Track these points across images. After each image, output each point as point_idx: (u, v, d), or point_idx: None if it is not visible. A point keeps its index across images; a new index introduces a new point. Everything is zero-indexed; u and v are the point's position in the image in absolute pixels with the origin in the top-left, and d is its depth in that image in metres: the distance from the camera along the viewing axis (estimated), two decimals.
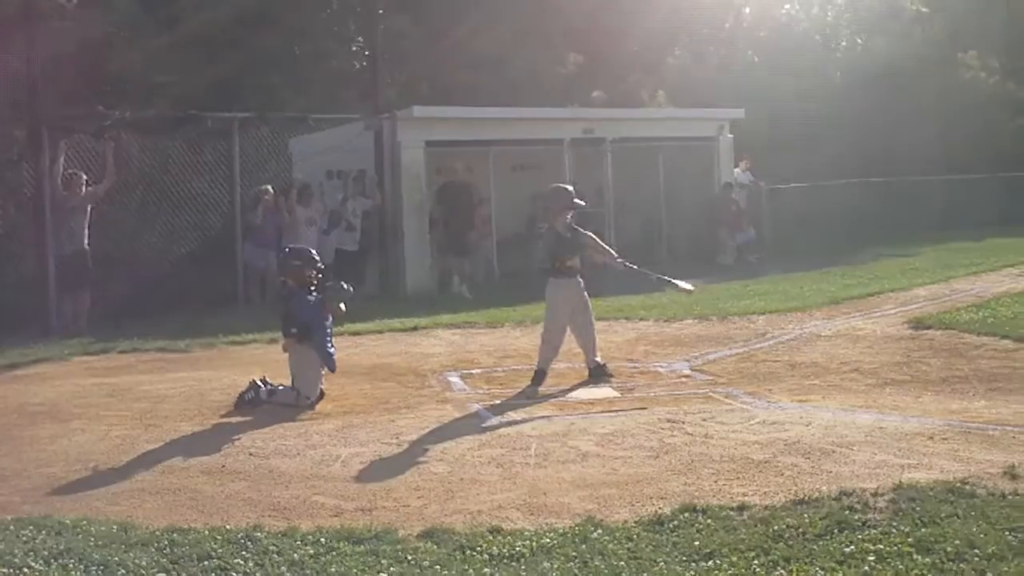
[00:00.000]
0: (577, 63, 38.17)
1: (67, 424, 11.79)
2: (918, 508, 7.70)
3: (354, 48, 37.50)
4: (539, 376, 13.29)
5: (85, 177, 20.23)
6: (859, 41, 44.09)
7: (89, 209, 20.14)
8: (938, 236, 32.23)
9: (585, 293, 13.66)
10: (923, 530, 7.26)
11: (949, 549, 6.92)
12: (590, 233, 13.86)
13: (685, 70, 41.63)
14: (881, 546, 7.02)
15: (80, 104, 23.85)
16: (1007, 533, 7.17)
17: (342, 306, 12.89)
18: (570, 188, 14.22)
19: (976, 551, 6.87)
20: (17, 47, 21.05)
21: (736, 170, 30.88)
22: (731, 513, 7.80)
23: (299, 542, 7.49)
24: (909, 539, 7.11)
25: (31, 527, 7.87)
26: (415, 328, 18.49)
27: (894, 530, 7.30)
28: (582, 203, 14.12)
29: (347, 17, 37.26)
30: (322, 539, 7.51)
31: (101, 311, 20.19)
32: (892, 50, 41.89)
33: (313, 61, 34.42)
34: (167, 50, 28.63)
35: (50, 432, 11.40)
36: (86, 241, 20.08)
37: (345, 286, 12.98)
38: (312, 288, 12.85)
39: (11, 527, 7.91)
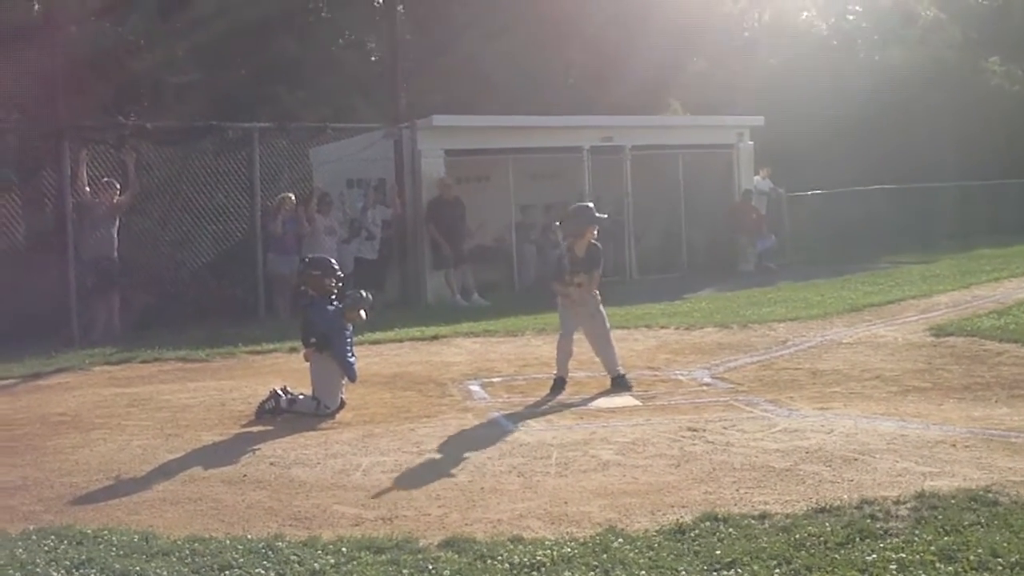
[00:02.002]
0: (595, 71, 38.11)
1: (89, 434, 11.83)
2: (940, 516, 7.66)
3: (373, 58, 37.61)
4: (558, 384, 13.37)
5: (118, 186, 20.38)
6: (876, 48, 43.99)
7: (117, 219, 20.29)
8: (959, 243, 32.16)
9: (600, 306, 13.68)
10: (946, 539, 7.22)
11: (972, 558, 6.88)
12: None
13: (704, 77, 41.58)
14: (903, 555, 6.98)
15: (100, 114, 23.91)
16: None
17: (362, 314, 12.89)
18: (590, 204, 14.24)
19: (999, 560, 6.83)
20: (38, 57, 21.14)
21: (756, 177, 30.82)
22: (752, 522, 7.77)
23: (320, 551, 7.48)
24: (932, 548, 7.07)
25: (53, 537, 7.89)
26: (435, 337, 18.50)
27: (916, 539, 7.26)
28: (604, 216, 14.17)
29: (366, 27, 37.35)
30: (343, 548, 7.50)
31: (123, 321, 20.29)
32: (910, 56, 41.83)
33: (331, 70, 34.48)
34: (184, 60, 28.69)
35: (72, 442, 11.44)
36: (115, 249, 20.22)
37: (364, 294, 12.97)
38: (332, 297, 12.86)
39: (33, 536, 7.93)
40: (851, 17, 45.50)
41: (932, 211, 35.31)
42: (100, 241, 20.15)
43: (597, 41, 37.44)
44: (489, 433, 11.28)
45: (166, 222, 22.83)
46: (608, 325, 13.89)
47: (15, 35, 22.01)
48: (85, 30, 24.54)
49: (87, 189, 20.21)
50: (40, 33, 21.04)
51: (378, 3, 35.95)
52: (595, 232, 13.72)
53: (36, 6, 22.59)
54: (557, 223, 14.82)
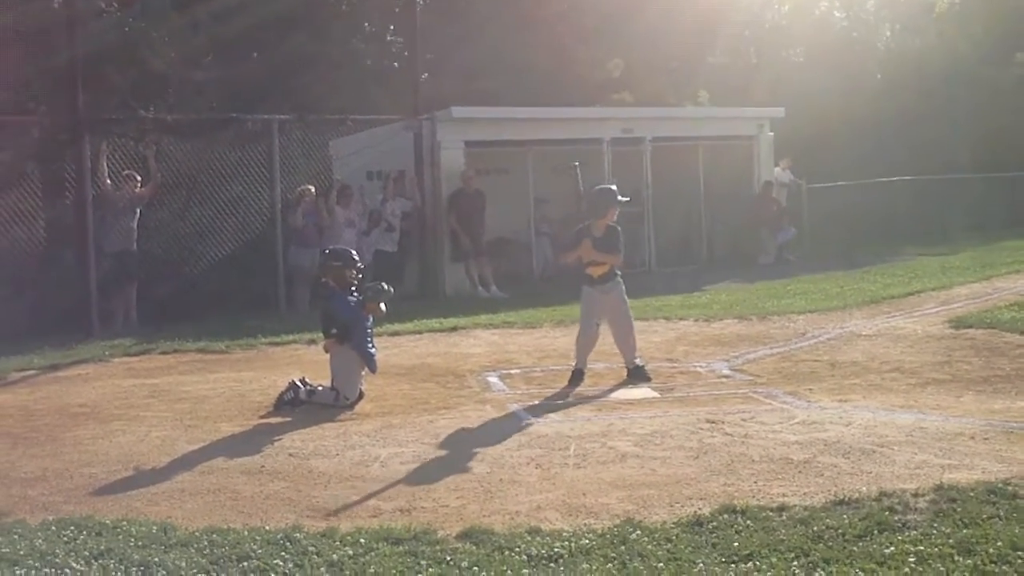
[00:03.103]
0: (615, 63, 38.09)
1: (108, 425, 11.87)
2: (959, 509, 7.65)
3: (393, 49, 37.56)
4: (576, 376, 13.39)
5: (139, 178, 20.45)
6: (895, 39, 43.87)
7: (137, 211, 20.37)
8: (979, 234, 32.05)
9: (624, 296, 13.69)
10: (965, 531, 7.21)
11: (991, 551, 6.86)
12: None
13: (725, 69, 41.53)
14: (922, 547, 6.97)
15: (121, 107, 23.97)
16: None
17: (382, 306, 12.90)
18: (613, 187, 14.23)
19: (1019, 553, 6.81)
20: (59, 50, 21.20)
21: (776, 169, 30.76)
22: (770, 514, 7.76)
23: (338, 543, 7.50)
24: (950, 541, 7.06)
25: (72, 527, 7.92)
26: (454, 328, 18.51)
27: (935, 531, 7.25)
28: (626, 199, 14.17)
29: (385, 18, 37.30)
30: (361, 539, 7.52)
31: (143, 312, 20.36)
32: (928, 48, 41.71)
33: (350, 62, 34.47)
34: (203, 52, 28.72)
35: (91, 433, 11.48)
36: (135, 242, 20.31)
37: (385, 286, 12.99)
38: (352, 289, 12.88)
39: (53, 527, 7.96)
40: (870, 8, 45.33)
41: (952, 203, 35.18)
42: (120, 234, 20.25)
43: (619, 33, 37.39)
44: (507, 425, 11.30)
45: (186, 214, 22.91)
46: (631, 315, 13.90)
47: (36, 29, 22.05)
48: (105, 23, 24.54)
49: (107, 182, 20.28)
50: (60, 27, 21.06)
51: None
52: (615, 214, 13.70)
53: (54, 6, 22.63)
54: (576, 163, 14.77)
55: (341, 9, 33.21)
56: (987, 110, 39.58)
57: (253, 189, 22.87)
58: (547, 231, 27.15)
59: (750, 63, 42.66)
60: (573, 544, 7.29)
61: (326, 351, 12.82)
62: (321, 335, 13.26)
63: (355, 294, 12.86)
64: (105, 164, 20.35)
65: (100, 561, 7.22)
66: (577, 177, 14.41)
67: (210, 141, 23.10)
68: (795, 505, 7.96)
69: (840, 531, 7.32)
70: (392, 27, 37.10)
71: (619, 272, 13.78)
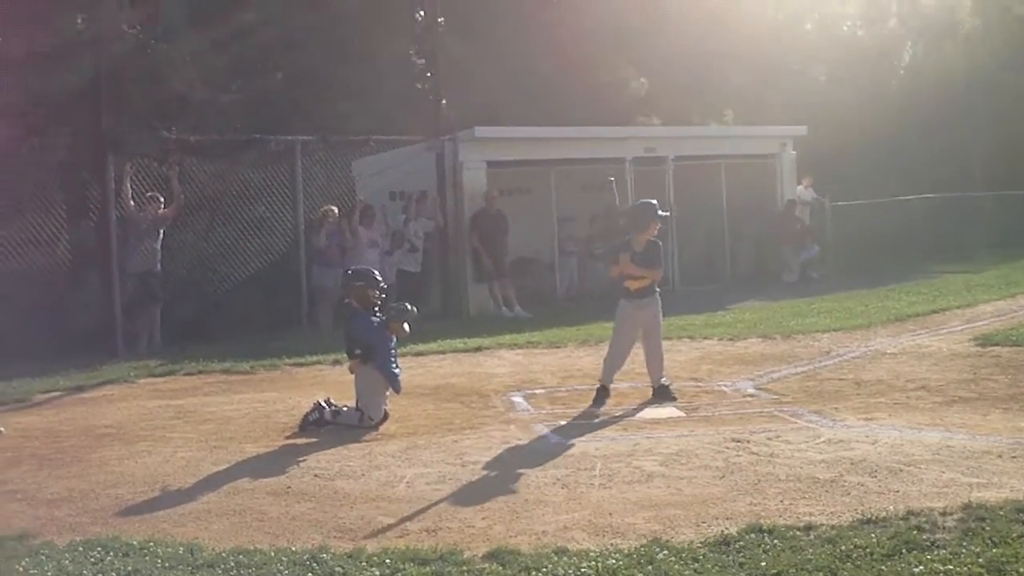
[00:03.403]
0: (640, 83, 38.08)
1: (134, 446, 11.90)
2: (988, 528, 7.61)
3: (415, 71, 37.64)
4: (601, 393, 13.36)
5: (162, 199, 20.52)
6: (917, 56, 43.84)
7: (161, 232, 20.43)
8: (1003, 252, 31.90)
9: (659, 311, 13.69)
10: (994, 550, 7.17)
11: (1021, 570, 6.83)
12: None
13: (746, 87, 41.50)
14: (950, 567, 6.94)
15: (143, 128, 24.08)
16: None
17: (406, 326, 12.91)
18: (654, 201, 14.20)
19: None
20: (82, 71, 21.30)
21: (799, 187, 30.73)
22: (797, 533, 7.74)
23: (364, 563, 7.50)
24: (979, 560, 7.03)
25: (99, 548, 7.95)
26: (478, 348, 18.52)
27: (963, 550, 7.22)
28: (667, 213, 14.19)
29: (408, 39, 37.40)
30: (387, 560, 7.52)
31: (167, 333, 20.41)
32: (950, 65, 41.63)
33: (373, 83, 34.55)
34: (225, 72, 28.82)
35: (117, 454, 11.51)
36: (158, 263, 20.37)
37: (408, 307, 13.00)
38: (376, 308, 12.89)
39: (79, 548, 7.99)
40: (891, 24, 45.25)
41: (975, 220, 35.05)
42: (144, 255, 20.30)
43: (643, 53, 37.41)
44: (532, 445, 11.29)
45: (209, 235, 22.96)
46: (663, 335, 13.91)
47: (60, 50, 22.14)
48: (127, 44, 24.64)
49: (131, 203, 20.35)
50: (83, 48, 21.16)
51: (420, 16, 36.00)
52: (656, 229, 13.70)
53: (80, 22, 22.71)
54: (612, 178, 14.84)
55: (364, 28, 33.30)
56: (1008, 126, 39.44)
57: (276, 210, 22.94)
58: (573, 250, 27.15)
59: (771, 81, 42.58)
60: (600, 564, 7.27)
61: (351, 372, 12.83)
62: (345, 355, 13.28)
63: (378, 314, 12.87)
64: (129, 185, 20.42)
65: None
66: (614, 191, 14.49)
67: (233, 162, 23.18)
68: (822, 524, 7.94)
69: (868, 550, 7.29)
70: (414, 48, 37.20)
71: (658, 289, 13.76)
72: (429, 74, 29.91)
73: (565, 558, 7.44)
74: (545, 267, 27.03)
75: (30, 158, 21.85)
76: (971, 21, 44.59)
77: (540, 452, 10.86)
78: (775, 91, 40.54)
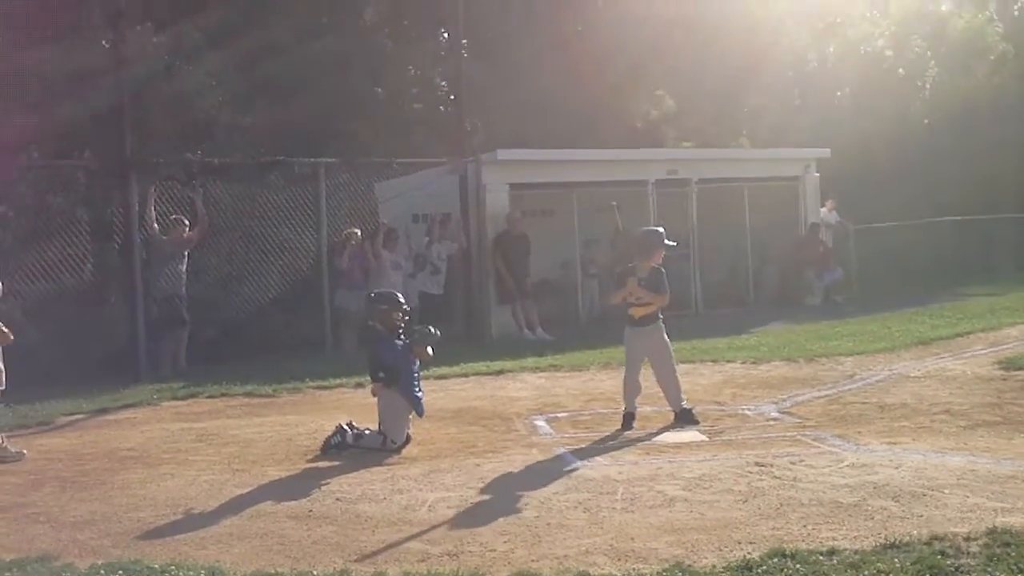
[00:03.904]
0: (667, 105, 38.14)
1: (156, 469, 11.92)
2: (1013, 553, 7.57)
3: (438, 93, 37.77)
4: (627, 419, 13.35)
5: (187, 222, 20.58)
6: (944, 78, 43.78)
7: (186, 255, 20.49)
8: None
9: (665, 338, 13.67)
10: None
11: None
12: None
13: (769, 109, 41.51)
14: None
15: (168, 150, 24.19)
16: None
17: (429, 350, 12.92)
18: (660, 229, 14.24)
19: None
20: (106, 93, 21.40)
21: (823, 210, 30.68)
22: (820, 558, 7.71)
23: None
24: None
25: (121, 571, 7.98)
26: (500, 372, 18.50)
27: None
28: (673, 244, 14.18)
29: (431, 62, 37.53)
30: None
31: (190, 356, 20.46)
32: (976, 88, 41.56)
33: (396, 105, 34.68)
34: (249, 96, 28.96)
35: (139, 476, 11.54)
36: (184, 286, 20.42)
37: (432, 330, 13.00)
38: (399, 331, 12.90)
39: (101, 571, 8.03)
40: (917, 49, 45.19)
41: (1000, 243, 34.92)
42: (170, 278, 20.34)
43: (663, 78, 37.48)
44: (555, 468, 11.27)
45: (233, 257, 23.03)
46: (673, 357, 13.88)
47: (83, 73, 22.26)
48: (151, 66, 24.78)
49: (155, 226, 20.42)
50: (107, 70, 21.26)
51: (443, 39, 36.13)
52: (661, 257, 13.71)
53: (104, 44, 22.81)
54: (614, 203, 14.86)
55: (387, 51, 33.45)
56: None
57: (300, 232, 23.01)
58: (595, 272, 27.15)
59: (794, 104, 42.58)
60: None
61: (374, 395, 12.84)
62: (368, 379, 13.29)
63: (402, 337, 12.88)
64: (153, 208, 20.50)
65: None
66: (616, 215, 14.52)
67: (257, 184, 23.25)
68: (845, 549, 7.90)
69: (891, 575, 7.25)
70: (437, 71, 37.35)
71: (661, 316, 13.75)
72: (452, 97, 29.92)
73: None
74: (568, 289, 27.01)
75: (54, 181, 21.96)
76: (1000, 45, 44.53)
77: (562, 476, 10.83)
78: (799, 113, 40.54)
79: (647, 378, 13.78)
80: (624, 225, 14.64)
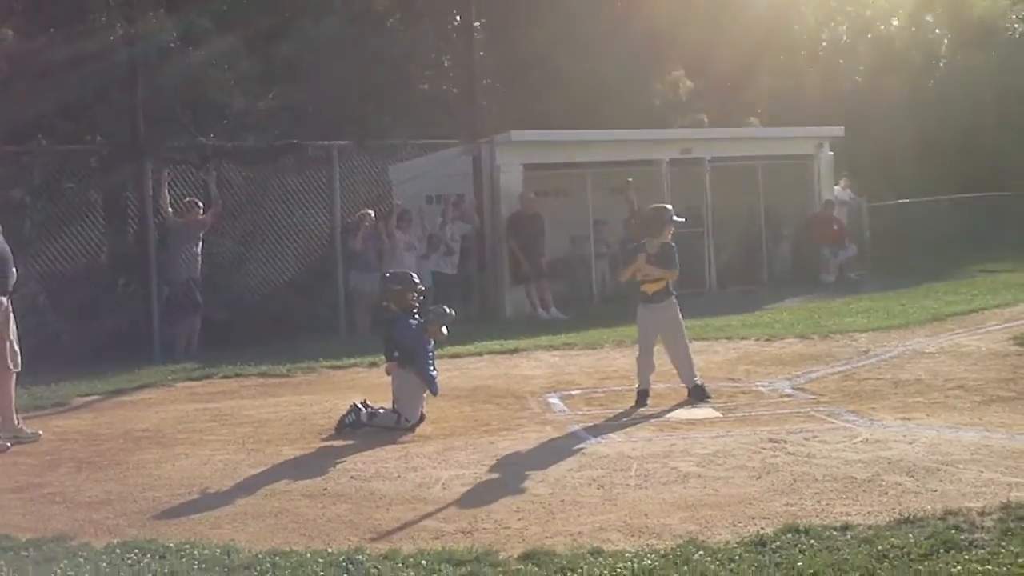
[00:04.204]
0: (677, 85, 38.04)
1: (171, 449, 11.96)
2: None
3: (451, 74, 37.72)
4: (641, 396, 13.38)
5: (201, 205, 20.59)
6: (957, 59, 43.66)
7: (201, 238, 20.50)
8: None
9: (679, 315, 13.69)
10: None
11: None
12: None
13: (784, 89, 41.42)
14: (989, 567, 6.90)
15: (181, 134, 24.22)
16: None
17: (444, 330, 12.94)
18: (669, 207, 14.28)
19: None
20: (118, 78, 21.43)
21: (836, 188, 30.61)
22: (834, 533, 7.71)
23: (401, 564, 7.52)
24: (1019, 560, 6.98)
25: (136, 550, 8.00)
26: (514, 350, 18.52)
27: (1003, 550, 7.17)
28: (682, 220, 14.21)
29: (444, 43, 37.49)
30: (423, 561, 7.53)
31: (205, 337, 20.49)
32: (992, 65, 41.44)
33: (410, 87, 34.64)
34: (262, 79, 28.96)
35: (155, 457, 11.57)
36: (199, 270, 20.44)
37: (447, 310, 13.02)
38: (415, 311, 12.91)
39: (117, 550, 8.04)
40: (936, 31, 45.09)
41: (1015, 220, 34.77)
42: (186, 262, 20.33)
43: (679, 56, 37.39)
44: (568, 446, 11.28)
45: (248, 240, 23.07)
46: (686, 334, 13.89)
47: (96, 57, 22.27)
48: (163, 50, 24.78)
49: (169, 210, 20.43)
50: (121, 54, 21.29)
51: (455, 21, 36.06)
52: (670, 233, 13.75)
53: (119, 30, 22.81)
54: (629, 179, 14.91)
55: (400, 32, 33.43)
56: None
57: (313, 214, 23.03)
58: (605, 252, 27.12)
59: (810, 82, 42.47)
60: (636, 565, 7.27)
61: (388, 374, 12.86)
62: (383, 358, 13.31)
63: (417, 317, 12.90)
64: (167, 192, 20.51)
65: None
66: (630, 192, 14.58)
67: (271, 167, 23.27)
68: (859, 524, 7.90)
69: (905, 550, 7.25)
70: (450, 52, 37.30)
71: (674, 292, 13.77)
72: (465, 77, 29.87)
73: (601, 559, 7.44)
74: (582, 269, 26.98)
75: (68, 165, 22.01)
76: (1015, 27, 44.36)
77: (575, 453, 10.85)
78: (813, 92, 40.45)
79: (660, 355, 13.78)
80: (639, 204, 14.70)
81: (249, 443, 12.09)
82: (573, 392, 14.54)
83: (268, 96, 29.49)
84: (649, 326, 13.69)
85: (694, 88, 37.82)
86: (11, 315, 12.87)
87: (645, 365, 13.60)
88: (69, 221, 20.87)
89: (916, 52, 44.05)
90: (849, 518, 8.09)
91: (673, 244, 13.80)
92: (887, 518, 8.03)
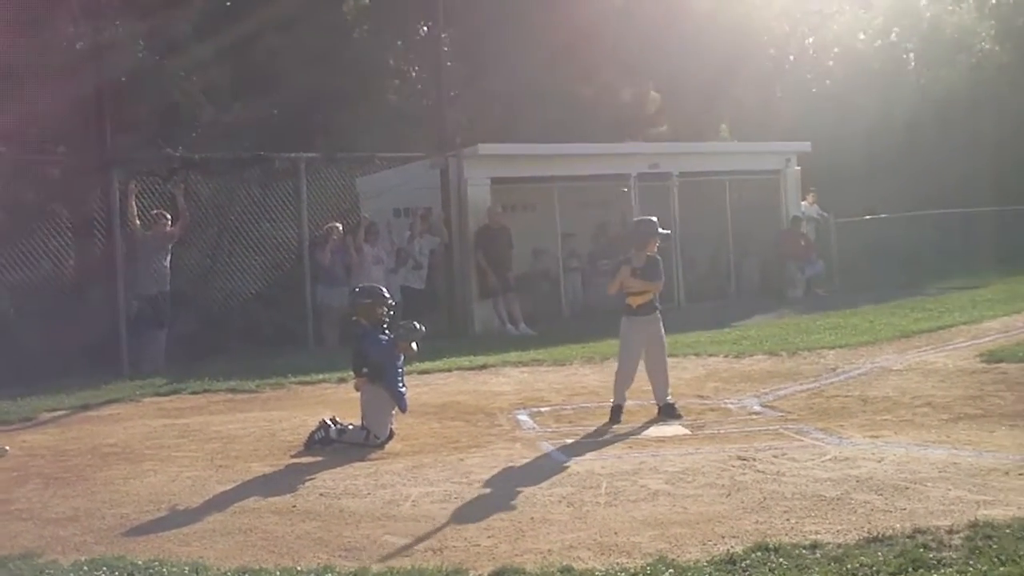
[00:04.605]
0: (652, 98, 38.08)
1: (139, 465, 11.90)
2: (995, 546, 7.61)
3: (419, 86, 37.69)
4: (615, 412, 13.41)
5: (168, 217, 20.48)
6: (924, 72, 43.89)
7: (169, 251, 20.41)
8: (1009, 267, 31.79)
9: (662, 328, 13.73)
10: (1001, 568, 7.17)
11: None
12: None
13: (749, 104, 41.52)
14: None
15: (148, 145, 24.11)
16: None
17: (414, 346, 12.93)
18: (654, 219, 14.30)
19: None
20: (87, 87, 21.32)
21: (803, 203, 30.71)
22: (804, 552, 7.73)
23: None
24: None
25: (104, 568, 7.97)
26: (483, 366, 18.51)
27: (971, 569, 7.22)
28: (667, 232, 14.29)
29: (411, 56, 37.48)
30: None
31: (172, 352, 20.39)
32: (957, 81, 41.66)
33: (376, 100, 34.58)
34: (230, 90, 28.89)
35: (122, 473, 11.51)
36: (168, 283, 20.34)
37: (417, 325, 13.01)
38: (384, 325, 12.89)
39: (85, 567, 8.01)
40: (904, 46, 45.30)
41: (981, 236, 34.93)
42: (153, 276, 20.20)
43: (645, 69, 37.42)
44: (538, 463, 11.29)
45: (215, 253, 22.98)
46: (666, 352, 13.93)
47: (64, 65, 22.14)
48: (130, 58, 24.68)
49: (137, 222, 20.32)
50: (86, 62, 21.19)
51: (421, 34, 36.06)
52: (656, 245, 13.78)
53: (79, 44, 22.70)
54: (625, 189, 14.96)
55: (367, 45, 33.38)
56: (1012, 140, 39.37)
57: (281, 227, 22.96)
58: (577, 266, 27.14)
59: (775, 97, 42.61)
60: None
61: (357, 389, 12.84)
62: (352, 374, 13.28)
63: (387, 332, 12.88)
64: (134, 203, 20.40)
65: None
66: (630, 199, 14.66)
67: (238, 179, 23.20)
68: (828, 543, 7.93)
69: (874, 568, 7.29)
70: (416, 67, 37.29)
71: (659, 307, 13.80)
72: (433, 90, 29.86)
73: None
74: (550, 283, 26.99)
75: (34, 176, 21.87)
76: (986, 45, 44.59)
77: (545, 470, 10.85)
78: (779, 106, 40.57)
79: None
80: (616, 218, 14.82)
81: (218, 459, 12.04)
82: (542, 409, 14.55)
83: (236, 107, 29.40)
84: (634, 339, 13.68)
85: (662, 101, 37.87)
86: None
87: (623, 379, 13.60)
88: (34, 233, 20.71)
89: (884, 67, 44.19)
90: (818, 536, 8.11)
91: (659, 257, 13.85)
92: (856, 536, 8.06)
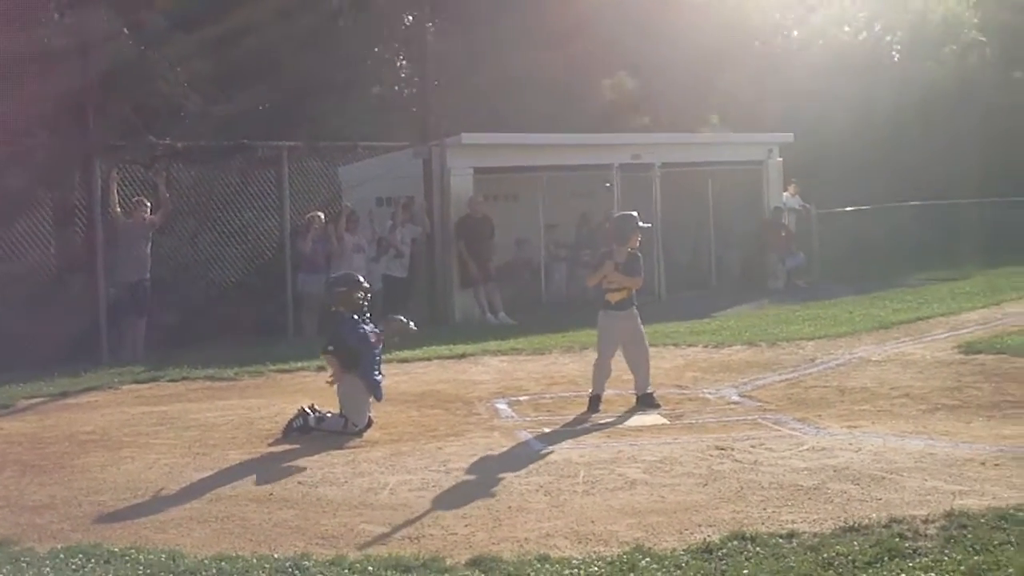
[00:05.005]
0: (625, 88, 38.03)
1: (117, 452, 11.87)
2: (970, 535, 7.64)
3: (403, 75, 37.65)
4: (593, 401, 13.43)
5: (149, 204, 20.41)
6: (907, 64, 43.93)
7: (150, 239, 20.35)
8: (988, 259, 31.87)
9: (639, 323, 13.75)
10: (975, 558, 7.20)
11: None
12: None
13: (734, 94, 41.50)
14: (933, 574, 6.98)
15: (130, 133, 24.00)
16: None
17: (396, 340, 12.95)
18: (635, 214, 14.33)
19: None
20: (69, 76, 21.23)
21: (785, 194, 30.73)
22: (780, 541, 7.75)
23: (347, 570, 7.51)
24: (961, 567, 7.05)
25: (80, 555, 7.94)
26: (463, 355, 18.50)
27: (946, 558, 7.24)
28: (648, 225, 14.31)
29: (396, 45, 37.40)
30: (370, 567, 7.52)
31: (152, 339, 20.33)
32: (941, 73, 41.70)
33: (360, 89, 34.50)
34: (213, 78, 28.78)
35: (100, 460, 11.48)
36: (148, 270, 20.28)
37: (406, 321, 13.04)
38: (364, 311, 12.86)
39: (61, 555, 7.98)
40: (888, 38, 45.34)
41: (961, 228, 35.00)
42: (134, 263, 20.13)
43: (631, 59, 37.38)
44: (516, 452, 11.30)
45: (196, 241, 22.90)
46: (647, 343, 13.95)
47: (46, 53, 22.06)
48: (114, 48, 24.56)
49: (118, 209, 20.25)
50: (70, 51, 21.11)
51: (407, 23, 36.00)
52: (637, 240, 13.80)
53: (66, 23, 22.61)
54: (608, 183, 15.00)
55: (350, 34, 33.28)
56: (994, 133, 39.43)
57: (262, 216, 22.88)
58: (564, 256, 27.17)
59: (760, 88, 42.60)
60: (582, 572, 7.29)
61: (329, 383, 12.77)
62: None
63: (368, 319, 12.86)
64: (116, 191, 20.33)
65: None
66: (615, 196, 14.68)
67: (220, 168, 23.12)
68: (805, 532, 7.95)
69: (850, 558, 7.31)
70: (401, 56, 37.21)
71: (635, 303, 13.82)
72: (417, 79, 29.84)
73: (547, 565, 7.45)
74: (531, 273, 27.00)
75: (15, 163, 21.77)
76: (972, 35, 44.61)
77: (523, 459, 10.86)
78: (764, 97, 40.55)
79: (616, 360, 13.81)
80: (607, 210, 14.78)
81: (196, 447, 12.02)
82: (521, 398, 14.55)
83: (220, 96, 29.30)
84: (611, 334, 13.74)
85: (646, 91, 37.82)
86: None
87: (601, 371, 13.65)
88: (15, 218, 20.62)
89: (867, 59, 44.19)
90: (795, 526, 8.14)
91: (639, 254, 13.87)
92: (832, 526, 8.09)
